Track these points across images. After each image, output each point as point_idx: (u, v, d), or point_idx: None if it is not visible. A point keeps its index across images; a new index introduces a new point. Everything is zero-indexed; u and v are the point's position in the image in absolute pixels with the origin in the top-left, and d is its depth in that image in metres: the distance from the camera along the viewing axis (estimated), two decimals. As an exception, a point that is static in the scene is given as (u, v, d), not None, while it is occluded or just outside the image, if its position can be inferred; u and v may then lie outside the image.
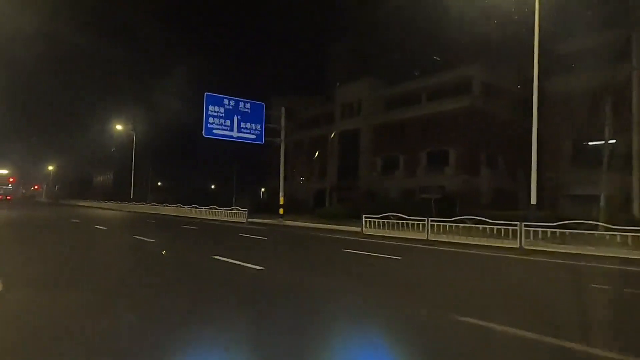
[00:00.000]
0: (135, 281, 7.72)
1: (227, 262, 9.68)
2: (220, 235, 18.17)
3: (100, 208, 50.72)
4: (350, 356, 4.18)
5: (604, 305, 6.43)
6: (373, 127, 44.96)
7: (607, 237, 12.76)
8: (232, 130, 26.65)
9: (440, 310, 5.73)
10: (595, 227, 13.61)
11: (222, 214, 27.79)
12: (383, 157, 44.08)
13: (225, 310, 5.74)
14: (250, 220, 26.41)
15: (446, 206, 25.64)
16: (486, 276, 9.37)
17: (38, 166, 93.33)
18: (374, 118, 44.86)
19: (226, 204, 33.99)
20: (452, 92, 39.38)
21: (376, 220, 17.51)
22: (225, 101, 26.58)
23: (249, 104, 27.32)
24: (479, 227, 14.44)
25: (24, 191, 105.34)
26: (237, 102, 26.94)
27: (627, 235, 12.35)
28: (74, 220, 23.33)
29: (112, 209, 46.78)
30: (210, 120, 26.02)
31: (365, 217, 17.94)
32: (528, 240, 13.38)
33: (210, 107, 26.09)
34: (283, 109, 28.72)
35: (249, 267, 8.94)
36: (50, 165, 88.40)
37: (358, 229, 21.12)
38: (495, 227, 14.11)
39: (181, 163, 58.23)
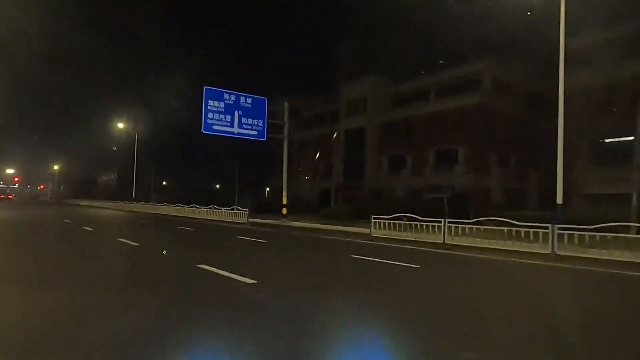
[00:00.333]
0: (82, 301, 5.99)
1: (214, 272, 7.96)
2: (216, 237, 16.47)
3: (101, 208, 49.23)
4: None
5: None
6: (379, 125, 43.15)
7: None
8: (232, 126, 24.95)
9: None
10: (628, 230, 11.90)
11: (221, 214, 26.09)
12: (389, 155, 42.25)
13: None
14: (251, 220, 24.69)
15: (459, 206, 23.86)
16: (525, 291, 7.56)
17: (44, 166, 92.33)
18: (380, 116, 43.04)
19: (228, 203, 32.38)
20: (461, 89, 37.52)
21: (386, 221, 15.73)
22: (226, 96, 24.89)
23: (250, 98, 25.61)
24: (503, 230, 12.62)
25: (29, 191, 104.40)
26: (238, 97, 25.23)
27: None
28: (66, 221, 21.74)
29: (112, 209, 45.26)
30: (210, 115, 24.33)
31: (375, 218, 16.16)
32: (560, 244, 11.58)
33: (210, 102, 24.40)
34: (286, 104, 26.98)
35: (238, 280, 7.21)
36: (56, 165, 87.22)
37: (366, 231, 19.35)
38: (522, 229, 12.28)
39: (184, 162, 56.59)
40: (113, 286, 6.95)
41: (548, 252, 11.54)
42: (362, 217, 26.57)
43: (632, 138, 25.96)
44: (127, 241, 12.81)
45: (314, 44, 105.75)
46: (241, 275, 7.50)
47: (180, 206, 32.11)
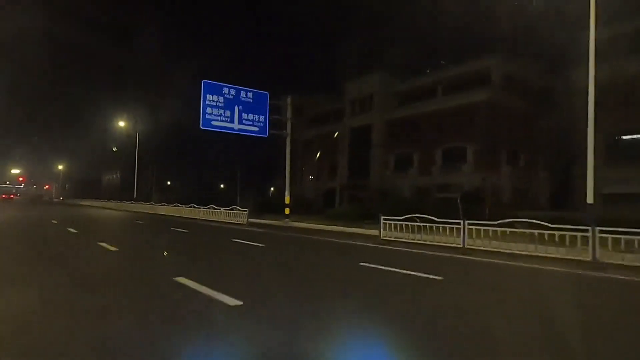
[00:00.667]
0: (22, 328, 4.32)
1: (191, 289, 6.27)
2: (209, 240, 14.75)
3: (100, 207, 47.80)
4: None
5: None
6: (385, 123, 41.42)
7: None
8: (232, 122, 23.30)
9: None
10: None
11: (220, 215, 24.38)
12: (396, 154, 40.52)
13: None
14: (252, 221, 23.01)
15: (470, 206, 22.14)
16: (580, 312, 5.82)
17: (49, 166, 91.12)
18: (386, 114, 41.30)
19: (230, 203, 30.74)
20: (470, 85, 35.73)
21: (397, 222, 13.99)
22: (225, 90, 23.23)
23: (251, 93, 23.95)
24: (533, 233, 10.87)
25: (34, 190, 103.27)
26: (238, 91, 23.57)
27: None
28: (53, 222, 20.16)
29: (112, 209, 43.80)
30: (209, 110, 22.70)
31: (384, 219, 14.42)
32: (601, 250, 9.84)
33: (208, 96, 22.76)
34: (289, 99, 25.30)
35: (219, 301, 5.53)
36: (60, 165, 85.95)
37: (374, 232, 17.66)
38: (556, 232, 10.53)
39: (187, 162, 54.91)
40: (52, 306, 5.29)
41: (588, 259, 9.78)
42: (368, 217, 24.84)
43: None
44: (107, 245, 11.15)
45: (317, 41, 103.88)
46: (225, 293, 5.82)
47: (178, 206, 30.47)
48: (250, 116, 23.81)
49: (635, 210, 17.98)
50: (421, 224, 13.39)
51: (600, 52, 28.23)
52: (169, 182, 59.59)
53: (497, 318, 5.33)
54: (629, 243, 9.54)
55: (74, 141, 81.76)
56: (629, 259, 9.24)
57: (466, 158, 35.38)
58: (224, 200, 33.91)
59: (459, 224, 12.38)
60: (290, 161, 26.01)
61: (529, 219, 12.32)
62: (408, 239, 13.52)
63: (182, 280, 6.80)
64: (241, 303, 5.44)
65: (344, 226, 20.62)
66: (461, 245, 12.13)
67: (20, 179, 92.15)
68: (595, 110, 14.06)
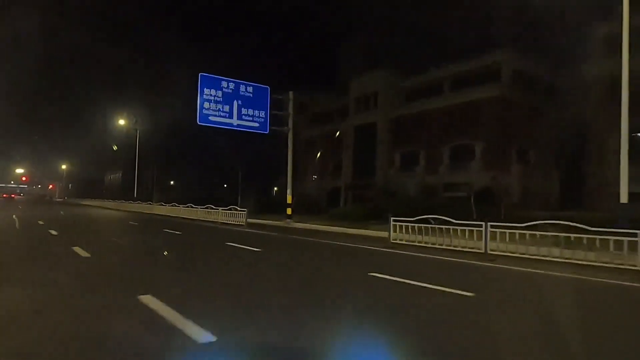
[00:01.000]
0: None
1: (155, 313, 4.76)
2: (199, 245, 13.14)
3: (99, 207, 46.44)
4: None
5: None
6: (391, 120, 39.80)
7: None
8: (231, 117, 21.80)
9: None
10: None
11: (218, 215, 22.82)
12: (401, 152, 38.91)
13: None
14: (252, 221, 21.48)
15: (486, 206, 20.56)
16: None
17: (53, 165, 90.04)
18: (392, 111, 39.68)
19: (231, 203, 29.24)
20: (479, 81, 34.09)
21: (409, 224, 12.40)
22: (224, 83, 21.74)
23: (251, 87, 22.45)
24: (570, 237, 9.29)
25: (38, 190, 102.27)
26: (237, 85, 22.08)
27: None
28: (40, 222, 18.71)
29: (110, 208, 42.47)
30: (206, 105, 21.22)
31: (395, 221, 12.84)
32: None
33: (206, 90, 21.28)
34: (291, 93, 23.75)
35: (186, 334, 4.00)
36: (64, 164, 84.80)
37: (382, 234, 16.09)
38: (597, 236, 8.93)
39: (187, 161, 53.29)
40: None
41: (637, 267, 8.20)
42: (374, 217, 23.26)
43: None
44: (80, 251, 9.63)
45: (320, 38, 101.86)
46: (196, 321, 4.30)
47: (176, 206, 28.97)
48: (250, 111, 22.31)
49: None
50: (436, 226, 11.81)
51: (617, 45, 26.37)
52: (172, 182, 58.19)
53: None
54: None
55: (77, 141, 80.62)
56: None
57: (474, 156, 33.77)
58: (226, 200, 32.42)
59: (479, 226, 10.80)
60: (293, 159, 24.51)
61: (544, 219, 10.78)
62: (421, 242, 11.95)
63: (148, 299, 5.28)
64: (214, 339, 3.91)
65: (348, 227, 19.08)
66: (483, 250, 10.54)
67: (24, 178, 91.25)
68: (628, 105, 12.42)
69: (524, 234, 10.09)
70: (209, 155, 50.47)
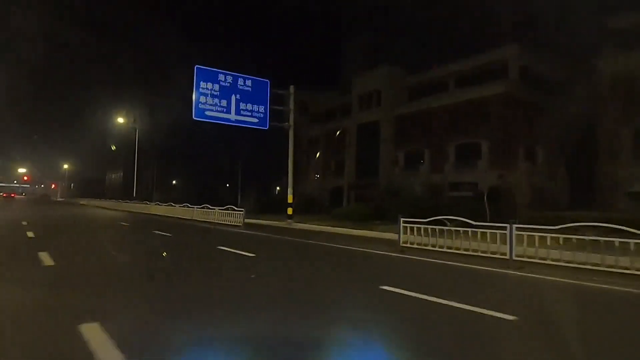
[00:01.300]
0: None
1: (90, 353, 3.35)
2: (186, 249, 11.53)
3: (96, 207, 45.08)
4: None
5: None
6: (394, 118, 38.32)
7: None
8: (229, 112, 20.39)
9: None
10: None
11: (215, 215, 21.35)
12: (405, 151, 37.40)
13: None
14: (251, 221, 20.07)
15: (498, 206, 19.16)
16: None
17: (56, 165, 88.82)
18: (396, 109, 38.20)
19: (230, 202, 27.86)
20: (485, 78, 32.60)
21: (422, 226, 10.93)
22: (221, 76, 20.33)
23: (250, 80, 21.04)
24: (614, 242, 7.83)
25: (41, 189, 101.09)
26: (235, 79, 20.67)
27: None
28: (23, 223, 17.28)
29: (107, 208, 41.10)
30: (202, 99, 19.82)
31: (405, 222, 11.36)
32: None
33: (202, 84, 19.88)
34: (291, 88, 22.31)
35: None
36: (66, 164, 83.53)
37: (390, 236, 14.69)
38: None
39: (187, 160, 51.81)
40: None
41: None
42: (379, 217, 21.86)
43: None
44: (46, 257, 8.20)
45: (322, 34, 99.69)
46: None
47: (172, 206, 27.58)
48: (249, 106, 20.90)
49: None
50: (452, 228, 10.36)
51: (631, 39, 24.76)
52: (174, 182, 56.83)
53: None
54: None
55: (79, 140, 79.24)
56: None
57: (481, 155, 32.25)
58: (226, 199, 31.08)
59: (502, 228, 9.34)
60: (295, 158, 23.09)
61: (563, 219, 9.38)
62: (435, 246, 10.49)
63: (90, 330, 3.86)
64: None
65: (352, 227, 17.67)
66: (507, 256, 9.08)
67: (25, 178, 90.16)
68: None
69: (557, 237, 8.62)
70: (210, 154, 49.08)
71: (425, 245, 10.72)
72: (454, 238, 10.25)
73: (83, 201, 55.48)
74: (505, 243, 9.25)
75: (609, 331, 4.71)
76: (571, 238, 8.40)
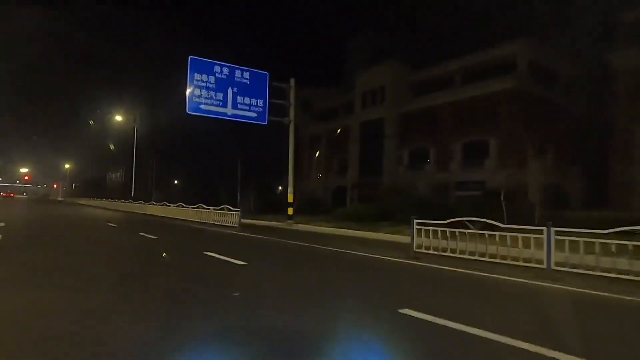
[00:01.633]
0: None
1: None
2: (169, 255, 9.58)
3: (93, 206, 43.67)
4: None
5: None
6: (399, 116, 36.71)
7: None
8: (225, 106, 18.87)
9: None
10: None
11: (210, 215, 19.73)
12: (410, 149, 35.79)
13: None
14: (249, 222, 18.54)
15: (514, 206, 17.59)
16: None
17: (57, 165, 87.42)
18: (400, 106, 36.59)
19: (230, 201, 26.34)
20: (493, 74, 30.97)
21: (438, 229, 9.36)
22: (217, 68, 18.81)
23: (248, 73, 19.52)
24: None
25: (44, 189, 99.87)
26: (232, 70, 19.15)
27: None
28: (1, 224, 15.77)
29: (103, 208, 39.77)
30: (197, 92, 18.31)
31: (419, 224, 9.78)
32: None
33: (197, 76, 18.37)
34: (292, 81, 20.75)
35: None
36: (67, 163, 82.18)
37: (400, 239, 13.23)
38: None
39: (187, 158, 50.27)
40: None
41: None
42: (384, 218, 20.26)
43: None
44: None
45: (324, 29, 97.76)
46: None
47: (166, 205, 26.06)
48: (247, 100, 19.38)
49: None
50: (476, 232, 8.78)
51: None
52: (176, 182, 55.34)
53: None
54: None
55: (80, 140, 77.78)
56: None
57: (489, 153, 30.63)
58: (224, 199, 29.50)
59: (538, 232, 7.77)
60: (298, 156, 21.56)
61: (585, 220, 7.84)
62: (456, 252, 8.92)
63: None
64: None
65: (357, 229, 16.10)
66: (544, 265, 7.51)
67: (26, 177, 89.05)
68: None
69: (606, 243, 7.03)
70: (210, 153, 47.52)
71: (444, 250, 9.15)
72: (477, 242, 8.68)
73: (81, 201, 54.26)
74: (540, 248, 7.69)
75: None
76: (627, 245, 6.80)
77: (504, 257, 8.12)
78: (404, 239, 13.25)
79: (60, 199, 79.21)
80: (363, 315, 4.91)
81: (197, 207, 21.09)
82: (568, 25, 31.52)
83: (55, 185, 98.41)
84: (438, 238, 9.34)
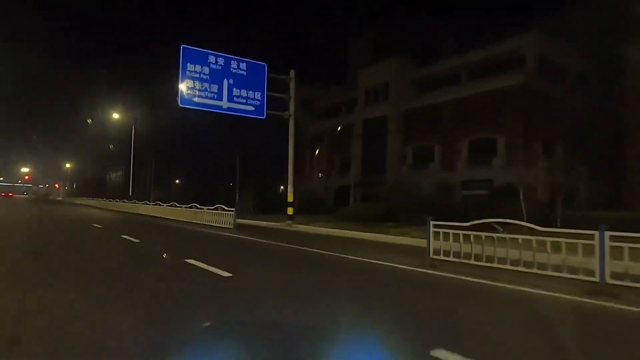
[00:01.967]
0: None
1: None
2: (142, 266, 7.72)
3: (89, 206, 42.38)
4: None
5: None
6: (402, 113, 35.17)
7: None
8: (220, 98, 17.40)
9: None
10: None
11: (203, 215, 18.12)
12: (415, 147, 34.28)
13: None
14: (246, 222, 17.06)
15: (509, 206, 16.10)
16: None
17: (58, 164, 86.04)
18: (404, 103, 35.06)
19: (229, 201, 24.89)
20: (500, 70, 29.46)
21: (460, 232, 7.83)
22: (211, 58, 17.35)
23: (244, 63, 18.05)
24: None
25: (46, 189, 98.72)
26: (228, 61, 17.69)
27: None
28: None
29: (98, 207, 38.73)
30: (189, 84, 16.86)
31: (435, 226, 8.26)
32: None
33: (189, 66, 16.92)
34: (292, 72, 19.25)
35: None
36: (68, 163, 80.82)
37: (410, 242, 11.75)
38: None
39: (188, 158, 48.81)
40: None
41: None
42: (390, 218, 18.75)
43: None
44: None
45: (326, 25, 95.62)
46: None
47: (160, 205, 24.60)
48: (244, 92, 17.90)
49: None
50: (506, 236, 7.26)
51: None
52: (177, 181, 53.94)
53: None
54: None
55: (81, 140, 76.31)
56: None
57: (496, 150, 29.11)
58: (223, 198, 28.05)
59: (588, 237, 6.25)
60: (298, 154, 20.07)
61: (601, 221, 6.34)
62: (481, 259, 7.40)
63: None
64: None
65: (362, 230, 14.59)
66: (596, 278, 6.00)
67: (26, 177, 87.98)
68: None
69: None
70: (210, 152, 46.06)
71: (467, 257, 7.64)
72: (508, 248, 7.16)
73: (79, 200, 53.02)
74: (588, 256, 6.19)
75: None
76: None
77: (542, 266, 6.61)
78: (413, 241, 11.78)
79: (59, 198, 78.01)
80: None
81: (191, 207, 19.58)
82: (580, 18, 29.96)
83: (56, 185, 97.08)
84: (459, 242, 7.83)
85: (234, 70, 17.70)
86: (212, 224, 16.68)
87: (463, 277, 6.85)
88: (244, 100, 17.82)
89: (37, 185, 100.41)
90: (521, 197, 12.97)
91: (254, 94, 18.05)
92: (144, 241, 11.23)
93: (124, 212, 29.80)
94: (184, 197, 25.80)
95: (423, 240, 11.45)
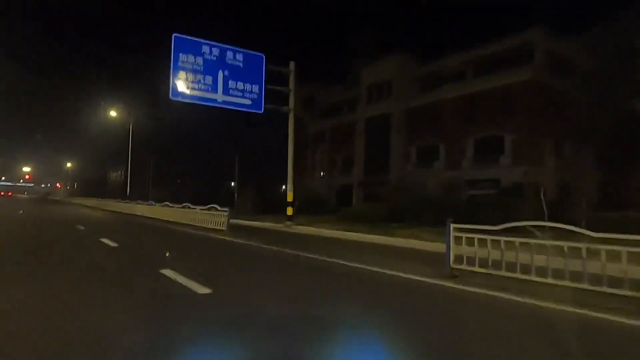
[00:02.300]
0: None
1: None
2: (106, 280, 6.13)
3: (84, 206, 41.19)
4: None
5: None
6: (406, 111, 33.81)
7: None
8: (215, 91, 16.03)
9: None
10: None
11: (196, 215, 16.65)
12: (419, 146, 32.89)
13: None
14: (243, 223, 15.71)
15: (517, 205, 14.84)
16: None
17: (58, 164, 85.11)
18: (408, 101, 33.68)
19: (228, 200, 23.63)
20: (507, 66, 28.07)
21: (487, 237, 6.46)
22: (205, 48, 15.99)
23: (241, 54, 16.69)
24: None
25: (47, 189, 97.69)
26: (223, 51, 16.32)
27: None
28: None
29: (93, 207, 37.45)
30: (182, 75, 15.52)
31: (456, 230, 6.87)
32: None
33: (182, 57, 15.57)
34: (292, 64, 17.86)
35: None
36: (69, 163, 79.70)
37: (420, 245, 10.38)
38: None
39: (188, 157, 47.49)
40: None
41: None
42: (395, 219, 17.44)
43: None
44: None
45: (328, 21, 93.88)
46: None
47: (152, 205, 23.26)
48: (240, 85, 16.54)
49: None
50: (547, 242, 5.88)
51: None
52: (178, 181, 52.70)
53: None
54: None
55: (82, 139, 75.24)
56: None
57: (503, 149, 27.70)
58: (222, 197, 26.79)
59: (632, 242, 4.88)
60: (300, 154, 18.70)
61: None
62: (515, 270, 6.01)
63: None
64: None
65: (366, 232, 13.22)
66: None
67: (27, 177, 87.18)
68: None
69: None
70: (210, 151, 44.74)
71: (495, 267, 6.25)
72: (549, 256, 5.78)
73: (77, 200, 51.89)
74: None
75: None
76: None
77: (596, 280, 5.23)
78: (426, 245, 10.42)
79: (57, 198, 76.95)
80: None
81: (183, 207, 18.21)
82: (591, 9, 28.47)
83: (57, 185, 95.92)
84: (486, 247, 6.44)
85: (229, 62, 16.35)
86: (204, 225, 15.29)
87: (494, 293, 5.48)
88: (241, 94, 16.46)
89: (39, 185, 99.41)
90: (542, 197, 11.62)
91: (251, 87, 16.69)
92: (123, 246, 9.85)
93: (118, 212, 28.50)
94: (184, 197, 24.53)
95: (433, 243, 10.13)
